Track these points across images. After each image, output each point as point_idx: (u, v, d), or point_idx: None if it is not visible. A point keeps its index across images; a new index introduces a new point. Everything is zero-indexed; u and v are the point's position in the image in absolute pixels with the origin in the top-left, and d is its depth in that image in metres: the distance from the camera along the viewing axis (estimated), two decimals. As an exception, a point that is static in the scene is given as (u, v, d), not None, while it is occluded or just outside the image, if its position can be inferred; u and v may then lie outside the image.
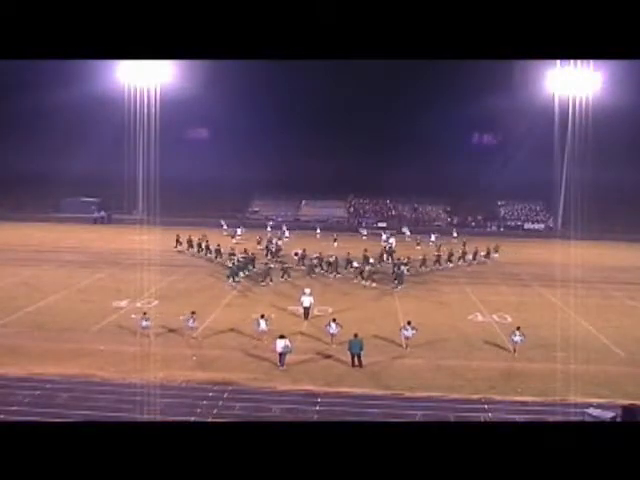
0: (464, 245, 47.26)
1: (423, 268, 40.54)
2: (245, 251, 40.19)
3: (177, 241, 46.54)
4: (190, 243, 45.72)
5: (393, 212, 77.45)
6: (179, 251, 45.73)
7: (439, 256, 42.62)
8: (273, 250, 43.13)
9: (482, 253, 45.71)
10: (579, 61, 59.23)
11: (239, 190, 74.01)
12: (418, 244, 49.73)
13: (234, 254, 38.94)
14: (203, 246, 44.21)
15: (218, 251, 42.13)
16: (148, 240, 46.20)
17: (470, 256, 44.64)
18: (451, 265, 42.71)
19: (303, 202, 77.96)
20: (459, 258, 43.91)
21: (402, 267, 36.88)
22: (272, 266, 36.79)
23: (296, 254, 39.24)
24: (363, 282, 35.93)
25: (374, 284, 35.45)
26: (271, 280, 34.90)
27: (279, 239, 50.63)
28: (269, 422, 15.12)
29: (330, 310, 28.50)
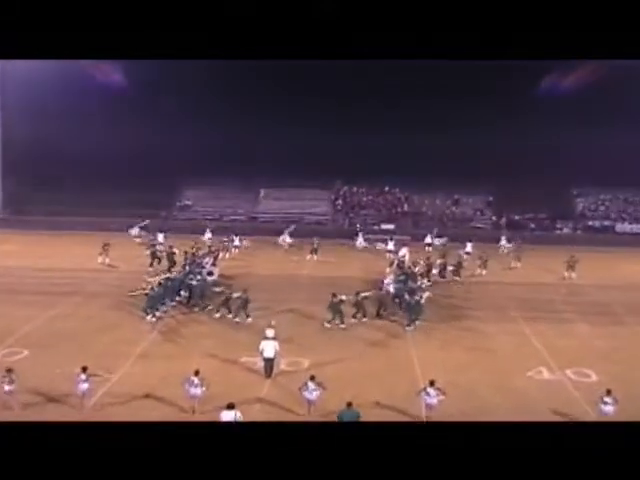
0: (518, 259, 49.94)
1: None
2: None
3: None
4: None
5: (405, 207, 77.70)
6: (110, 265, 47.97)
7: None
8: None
9: (450, 267, 48.07)
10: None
11: (161, 173, 72.55)
12: (442, 256, 49.56)
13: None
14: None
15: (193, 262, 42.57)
16: (12, 252, 46.73)
17: (435, 270, 47.14)
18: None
19: (262, 192, 78.15)
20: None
21: (419, 294, 36.83)
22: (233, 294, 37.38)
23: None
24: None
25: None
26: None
27: (226, 250, 52.50)
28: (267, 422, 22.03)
29: (306, 363, 29.22)
